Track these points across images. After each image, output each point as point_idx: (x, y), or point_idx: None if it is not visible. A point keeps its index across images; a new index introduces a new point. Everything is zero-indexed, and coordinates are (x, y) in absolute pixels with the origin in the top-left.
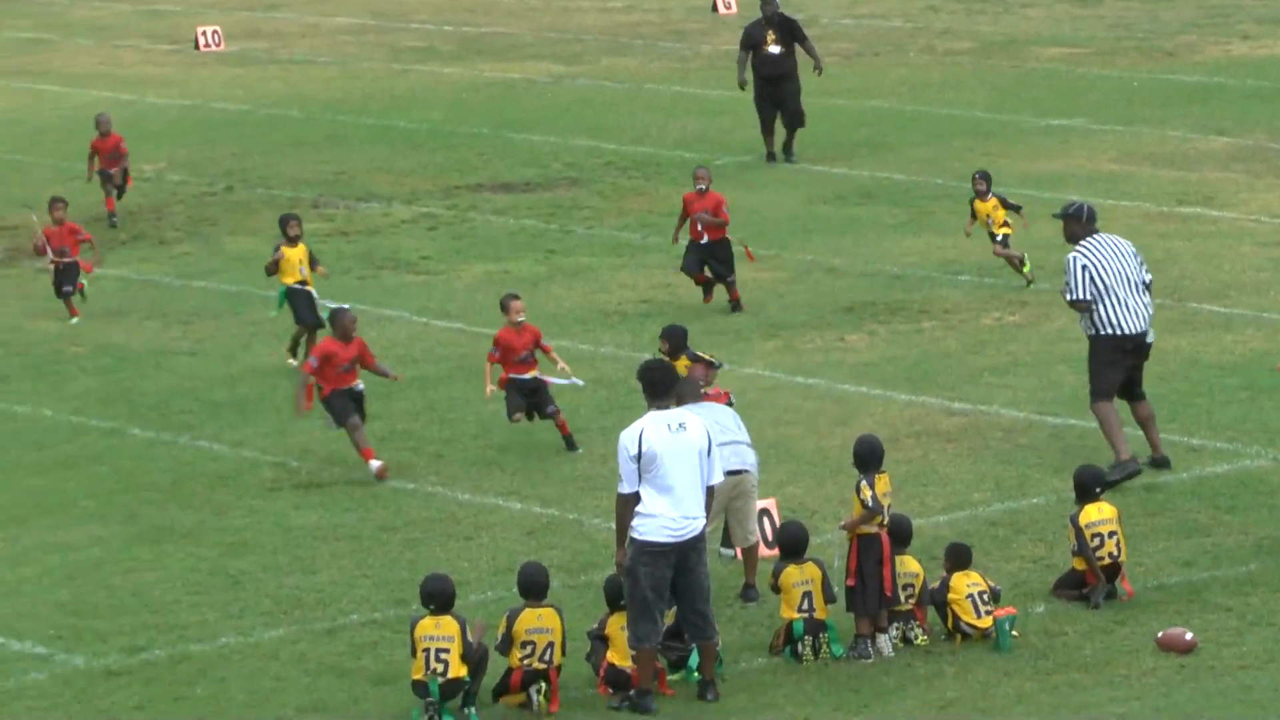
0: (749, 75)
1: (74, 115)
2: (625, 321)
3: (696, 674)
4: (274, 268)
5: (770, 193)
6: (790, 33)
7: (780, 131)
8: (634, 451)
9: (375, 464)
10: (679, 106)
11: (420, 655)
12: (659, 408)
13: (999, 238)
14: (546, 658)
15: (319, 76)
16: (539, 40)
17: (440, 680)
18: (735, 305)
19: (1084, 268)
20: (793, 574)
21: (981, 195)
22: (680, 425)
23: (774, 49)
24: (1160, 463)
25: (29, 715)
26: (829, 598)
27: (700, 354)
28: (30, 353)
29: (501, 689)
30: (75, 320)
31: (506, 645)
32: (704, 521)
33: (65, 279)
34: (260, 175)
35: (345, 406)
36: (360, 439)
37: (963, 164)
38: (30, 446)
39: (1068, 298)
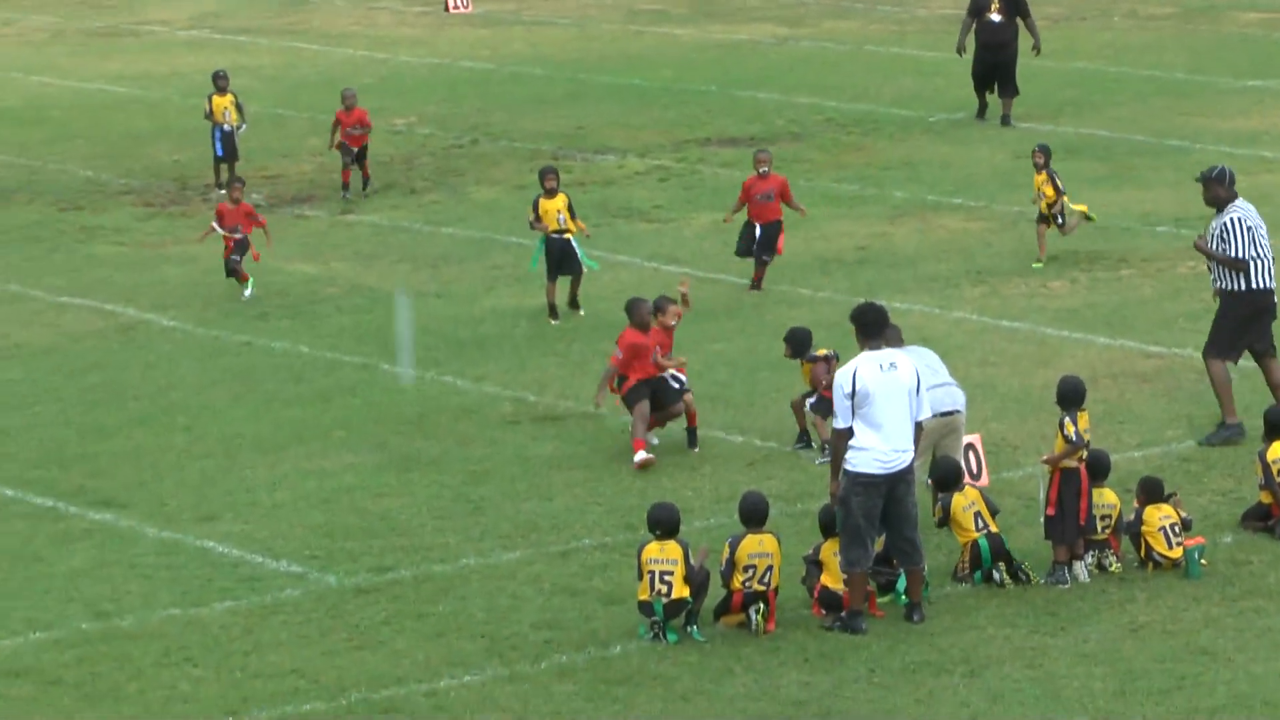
0: (969, 42)
1: (330, 72)
2: (842, 268)
3: (904, 597)
4: (536, 220)
5: (980, 148)
6: (1015, 4)
7: (995, 104)
8: (848, 390)
9: (641, 455)
10: (896, 67)
11: (646, 578)
12: (871, 348)
13: (1050, 214)
14: (765, 580)
15: (559, 37)
16: (765, 4)
17: (664, 601)
18: (755, 284)
19: (1248, 229)
20: (960, 500)
21: (1037, 168)
22: (891, 365)
23: (996, 17)
24: None
25: (284, 629)
26: (994, 510)
27: (817, 353)
28: (289, 293)
29: (722, 609)
30: (248, 292)
31: (729, 570)
32: (912, 455)
33: (235, 252)
34: (503, 129)
35: (640, 393)
36: (639, 429)
37: (1163, 122)
38: (289, 380)
39: (1230, 254)
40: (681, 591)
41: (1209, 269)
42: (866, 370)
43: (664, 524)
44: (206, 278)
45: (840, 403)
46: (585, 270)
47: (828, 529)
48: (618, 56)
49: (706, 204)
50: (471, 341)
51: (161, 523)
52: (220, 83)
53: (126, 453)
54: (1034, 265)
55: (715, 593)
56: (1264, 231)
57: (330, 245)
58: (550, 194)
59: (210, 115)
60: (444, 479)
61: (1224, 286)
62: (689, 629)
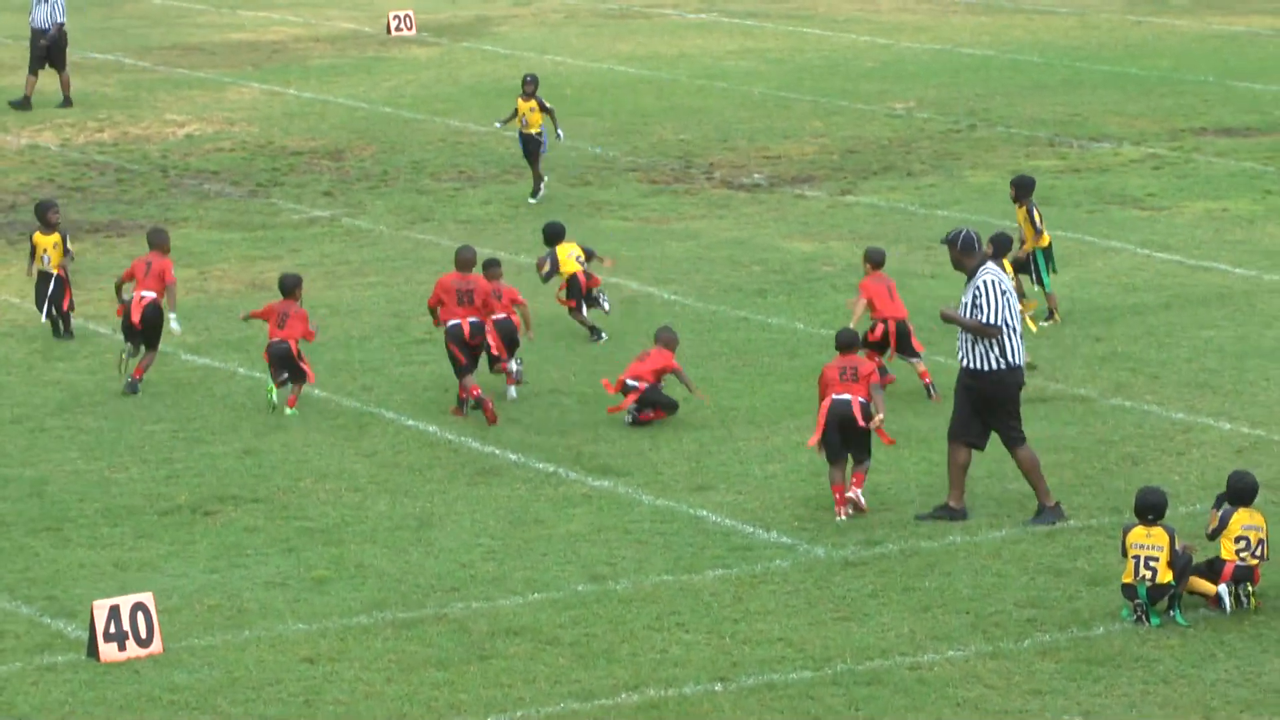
0: None
1: (834, 56)
2: None
3: None
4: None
5: None
6: None
7: None
8: None
9: None
10: None
11: (1130, 561)
12: None
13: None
14: (1259, 553)
15: (1058, 25)
16: None
17: (1148, 585)
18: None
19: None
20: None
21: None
22: None
23: None
24: None
25: (773, 598)
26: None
27: None
28: (787, 271)
29: (1206, 573)
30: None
31: (1215, 536)
32: None
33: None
34: (1000, 115)
35: None
36: None
37: None
38: (784, 355)
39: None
40: (1166, 576)
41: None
42: None
43: (1153, 509)
44: (708, 253)
45: None
46: None
47: None
48: (1116, 45)
49: (1199, 193)
50: None
51: (657, 491)
52: (528, 88)
53: (625, 421)
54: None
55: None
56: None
57: (829, 225)
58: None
59: (514, 118)
60: (933, 456)
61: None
62: (1171, 613)
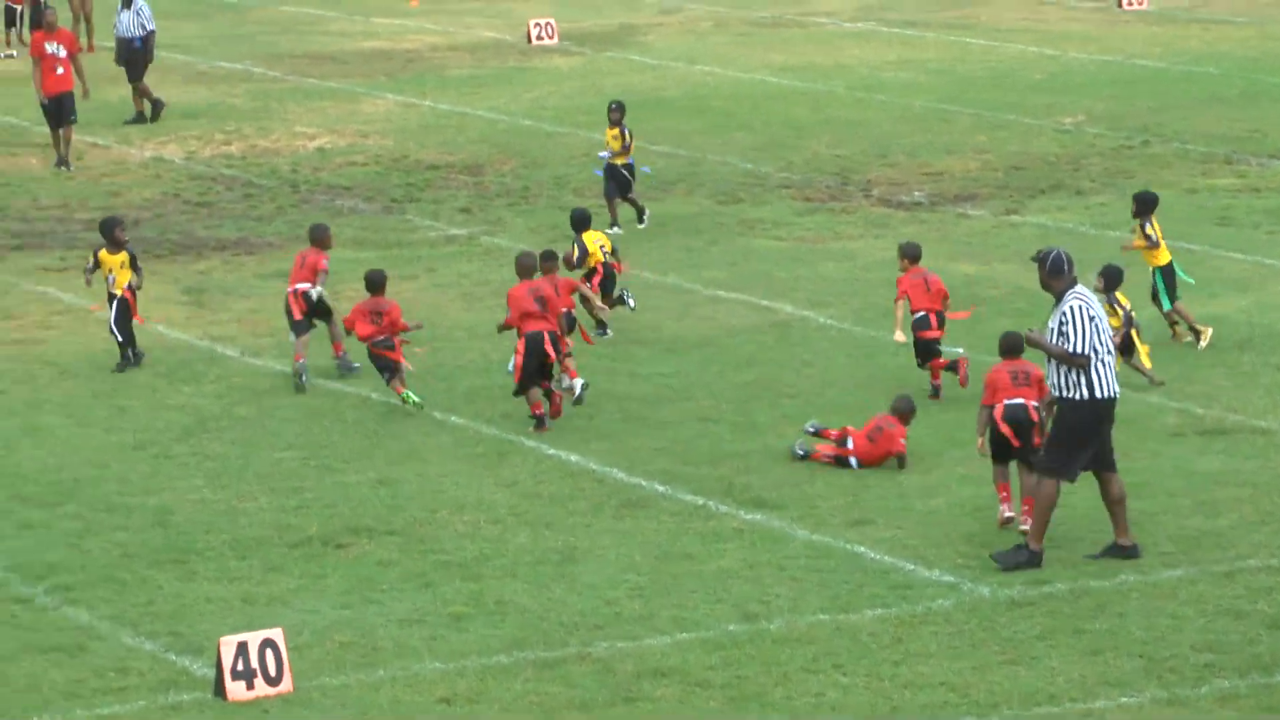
0: None
1: (999, 68)
2: None
3: None
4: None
5: None
6: None
7: None
8: None
9: None
10: None
11: None
12: None
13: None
14: None
15: (1236, 35)
16: None
17: None
18: None
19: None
20: None
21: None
22: None
23: None
24: None
25: (935, 639)
26: None
27: None
28: (951, 293)
29: None
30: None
31: None
32: None
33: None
34: (1175, 130)
35: None
36: None
37: None
38: (946, 383)
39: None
40: None
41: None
42: None
43: None
44: (865, 275)
45: None
46: None
47: None
48: None
49: None
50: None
51: (812, 525)
52: (613, 114)
53: (778, 451)
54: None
55: None
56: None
57: (993, 246)
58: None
59: (626, 149)
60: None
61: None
62: None
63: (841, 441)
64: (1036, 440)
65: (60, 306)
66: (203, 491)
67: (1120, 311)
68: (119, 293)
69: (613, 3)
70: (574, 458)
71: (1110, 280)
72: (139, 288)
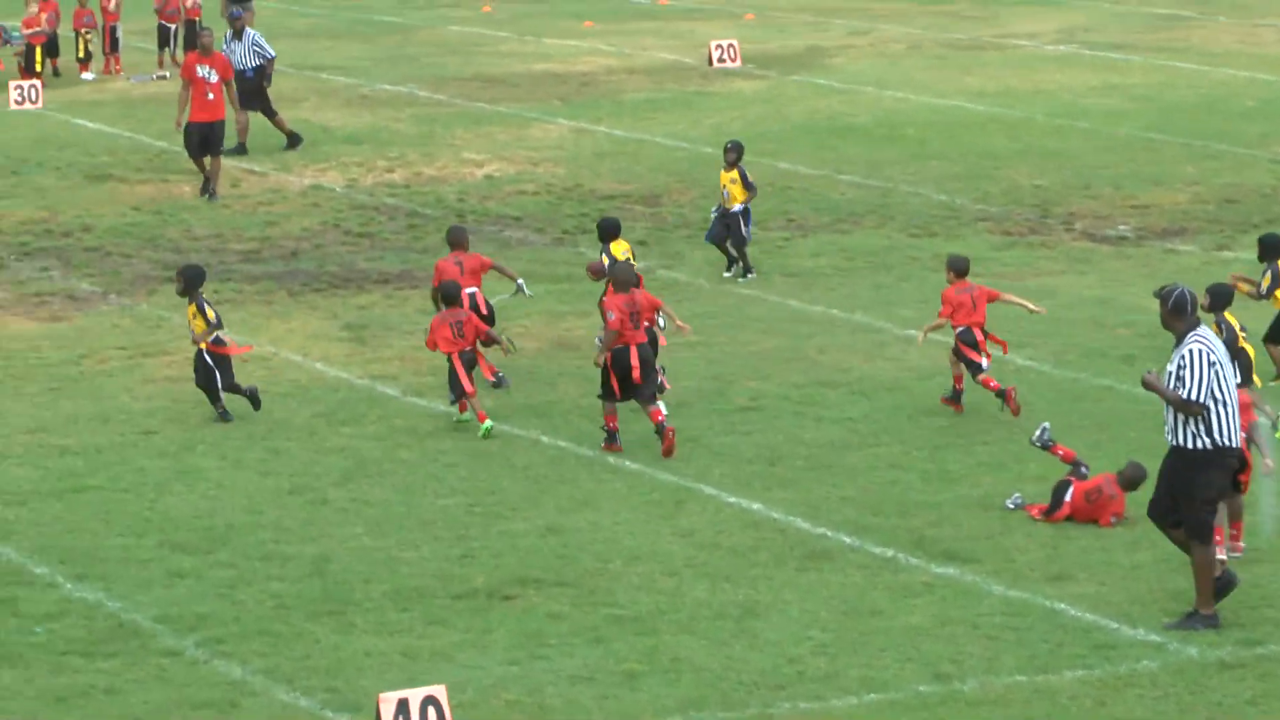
0: None
1: (1210, 94)
2: None
3: None
4: None
5: None
6: None
7: None
8: None
9: None
10: None
11: None
12: None
13: None
14: None
15: None
16: None
17: None
18: None
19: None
20: None
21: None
22: None
23: None
24: None
25: (1140, 703)
26: None
27: None
28: (1157, 335)
29: None
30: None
31: None
32: None
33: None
34: None
35: None
36: None
37: None
38: (1152, 429)
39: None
40: None
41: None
42: None
43: None
44: (1067, 314)
45: None
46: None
47: None
48: None
49: None
50: None
51: (1009, 580)
52: (729, 156)
53: (972, 501)
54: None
55: None
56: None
57: (1204, 283)
58: None
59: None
60: None
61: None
62: None
63: (1059, 495)
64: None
65: None
66: (362, 539)
67: (1223, 331)
68: (202, 347)
69: (799, 23)
70: (755, 506)
71: (1216, 299)
72: (206, 339)
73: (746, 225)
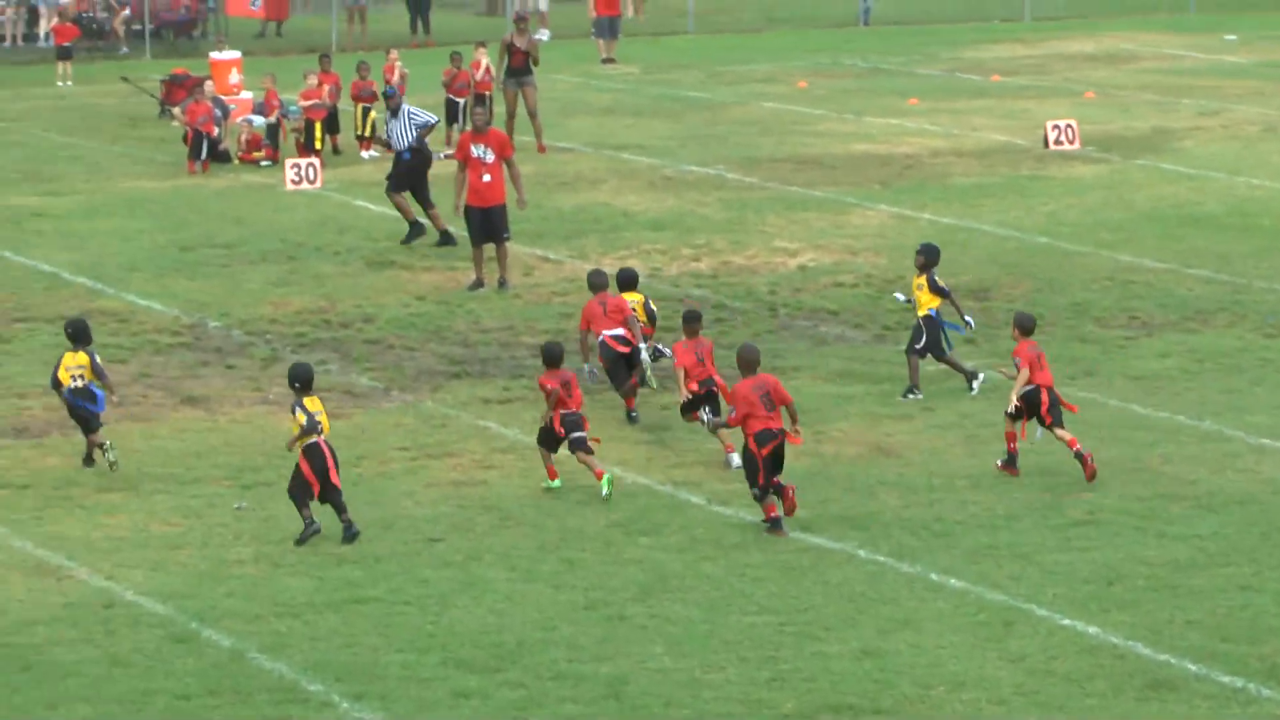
0: None
1: None
2: None
3: None
4: None
5: None
6: None
7: None
8: None
9: None
10: None
11: None
12: None
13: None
14: None
15: None
16: None
17: None
18: None
19: None
20: None
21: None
22: None
23: None
24: None
25: None
26: None
27: None
28: None
29: None
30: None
31: None
32: None
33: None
34: None
35: None
36: None
37: None
38: None
39: None
40: None
41: None
42: None
43: None
44: None
45: None
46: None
47: None
48: None
49: None
50: None
51: None
52: (918, 260)
53: None
54: None
55: None
56: None
57: None
58: None
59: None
60: None
61: None
62: None
63: None
64: None
65: (504, 443)
66: (662, 660)
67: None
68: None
69: (1144, 102)
70: (1092, 629)
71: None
72: (299, 441)
73: (944, 334)
